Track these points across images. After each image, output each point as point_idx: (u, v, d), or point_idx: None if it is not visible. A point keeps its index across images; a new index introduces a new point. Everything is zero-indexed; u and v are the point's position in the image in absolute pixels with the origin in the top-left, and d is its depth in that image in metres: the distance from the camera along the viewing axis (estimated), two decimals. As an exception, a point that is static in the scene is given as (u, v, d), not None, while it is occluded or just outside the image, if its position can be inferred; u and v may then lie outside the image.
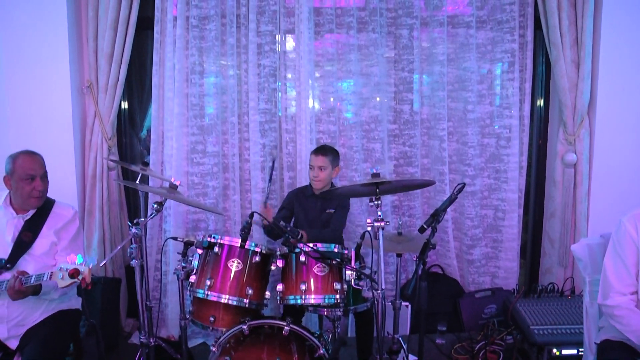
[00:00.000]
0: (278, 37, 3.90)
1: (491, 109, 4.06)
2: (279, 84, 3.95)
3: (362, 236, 2.79)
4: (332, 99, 4.01)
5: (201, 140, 3.91)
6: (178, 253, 3.01)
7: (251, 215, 2.68)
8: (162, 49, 3.86)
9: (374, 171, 2.68)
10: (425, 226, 2.76)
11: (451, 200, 2.78)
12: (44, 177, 2.88)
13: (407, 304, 3.82)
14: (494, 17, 3.95)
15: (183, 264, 2.88)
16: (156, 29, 3.82)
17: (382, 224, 2.57)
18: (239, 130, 3.95)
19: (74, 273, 2.49)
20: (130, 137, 4.31)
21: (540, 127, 4.26)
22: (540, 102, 4.25)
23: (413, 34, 3.96)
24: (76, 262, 2.52)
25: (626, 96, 3.89)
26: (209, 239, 2.76)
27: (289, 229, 2.73)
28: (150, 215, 2.78)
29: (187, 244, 2.99)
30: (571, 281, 3.90)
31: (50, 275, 2.55)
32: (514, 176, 4.05)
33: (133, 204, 4.22)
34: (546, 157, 4.26)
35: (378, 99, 4.00)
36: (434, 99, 4.04)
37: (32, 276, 2.60)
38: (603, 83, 3.87)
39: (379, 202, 2.63)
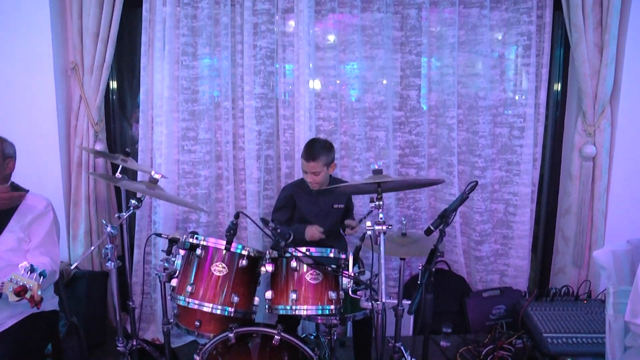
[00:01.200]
0: (276, 17, 3.52)
1: (504, 96, 3.68)
2: (277, 66, 3.58)
3: (362, 238, 2.46)
4: (333, 84, 3.63)
5: (193, 126, 3.56)
6: (163, 251, 2.69)
7: (237, 216, 2.34)
8: (151, 28, 3.51)
9: (376, 167, 2.33)
10: (432, 228, 2.42)
11: (462, 199, 2.44)
12: None
13: (409, 302, 3.50)
14: (509, -5, 3.55)
15: (165, 265, 2.57)
16: (145, 6, 3.47)
17: (384, 227, 2.22)
18: (233, 116, 3.60)
19: (21, 291, 2.11)
20: (120, 121, 3.97)
21: (556, 117, 3.87)
22: (556, 89, 3.85)
23: (422, 14, 3.57)
24: (24, 279, 2.14)
25: (653, 84, 3.50)
26: (191, 240, 2.44)
27: (278, 230, 2.40)
28: (129, 212, 2.45)
29: (172, 242, 2.68)
30: (587, 284, 3.55)
31: (1, 286, 2.22)
32: (527, 169, 3.68)
33: (122, 193, 3.87)
34: (561, 148, 3.88)
35: (384, 83, 3.62)
36: (443, 85, 3.66)
37: None
38: (629, 70, 3.48)
39: (381, 202, 2.28)
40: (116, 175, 2.74)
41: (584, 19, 3.38)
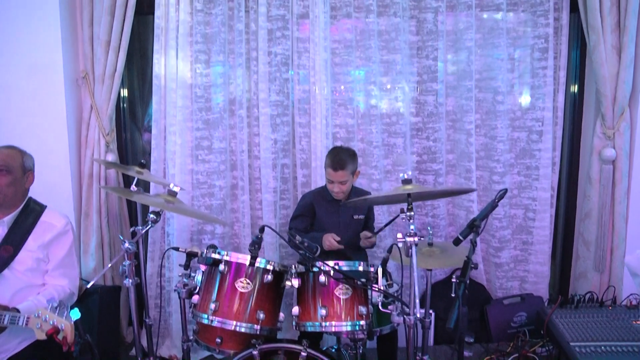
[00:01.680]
0: (291, 22, 3.42)
1: (522, 100, 3.60)
2: (292, 73, 3.49)
3: (390, 249, 2.35)
4: (349, 90, 3.54)
5: (207, 135, 3.45)
6: (180, 265, 2.57)
7: (262, 229, 2.23)
8: (164, 36, 3.40)
9: (405, 176, 2.23)
10: (461, 237, 2.33)
11: (492, 207, 2.35)
12: (4, 171, 2.38)
13: (431, 311, 3.39)
14: (526, -2, 3.48)
15: (185, 280, 2.44)
16: (157, 13, 3.35)
17: (416, 239, 2.12)
18: (248, 125, 3.50)
19: (53, 333, 2.02)
20: (131, 131, 3.86)
21: (573, 120, 3.79)
22: (573, 92, 3.77)
23: (438, 18, 3.48)
24: (54, 316, 2.04)
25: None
26: (213, 255, 2.32)
27: (305, 244, 2.28)
28: (147, 227, 2.33)
29: (190, 255, 2.56)
30: (611, 290, 3.46)
31: (27, 321, 2.10)
32: (546, 173, 3.59)
33: (134, 205, 3.75)
34: (579, 152, 3.80)
35: (401, 89, 3.53)
36: (460, 89, 3.57)
37: (5, 315, 2.14)
38: (647, 71, 3.41)
39: (412, 213, 2.18)
40: (131, 188, 2.61)
41: (602, 20, 3.31)
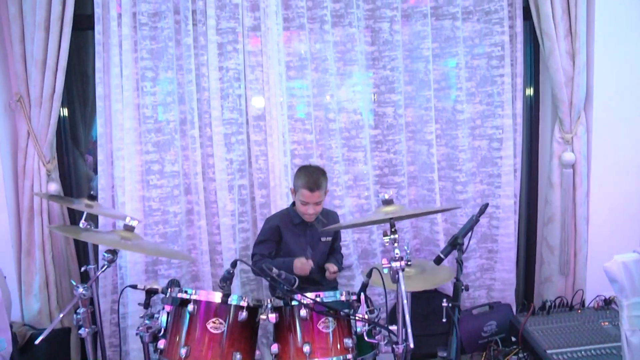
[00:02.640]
0: (242, 35, 3.18)
1: (481, 109, 3.48)
2: (245, 88, 3.24)
3: (369, 273, 2.14)
4: (306, 104, 3.32)
5: (157, 158, 3.15)
6: (139, 304, 2.29)
7: (234, 264, 1.99)
8: (106, 53, 3.09)
9: (386, 197, 2.04)
10: (442, 256, 2.16)
11: (474, 222, 2.19)
12: None
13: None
14: (480, 7, 3.36)
15: (147, 322, 2.16)
16: (97, 28, 3.05)
17: (402, 264, 1.92)
18: (201, 145, 3.22)
19: None
20: (73, 157, 3.50)
21: (530, 125, 3.71)
22: (529, 98, 3.69)
23: (393, 27, 3.31)
24: None
25: (623, 89, 3.38)
26: (180, 295, 2.05)
27: (283, 276, 2.05)
28: (102, 268, 2.03)
29: (150, 293, 2.29)
30: (579, 292, 3.38)
31: None
32: (508, 180, 3.49)
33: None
34: (538, 157, 3.72)
35: (359, 101, 3.35)
36: (419, 100, 3.42)
37: None
38: (599, 76, 3.37)
39: (396, 236, 1.98)
40: (80, 224, 2.30)
41: (555, 27, 3.24)
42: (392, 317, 3.34)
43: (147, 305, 2.28)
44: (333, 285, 3.00)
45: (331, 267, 2.89)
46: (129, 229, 2.09)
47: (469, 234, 2.21)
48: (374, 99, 3.45)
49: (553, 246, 3.53)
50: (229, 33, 3.14)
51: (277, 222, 2.92)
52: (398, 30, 3.31)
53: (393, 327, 2.07)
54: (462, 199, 3.47)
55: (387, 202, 2.07)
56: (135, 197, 3.14)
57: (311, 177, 2.81)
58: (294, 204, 2.94)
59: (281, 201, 3.23)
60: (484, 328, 3.52)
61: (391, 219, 2.02)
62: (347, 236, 3.35)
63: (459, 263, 2.09)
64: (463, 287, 2.04)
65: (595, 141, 3.43)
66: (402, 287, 1.91)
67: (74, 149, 3.52)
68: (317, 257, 2.89)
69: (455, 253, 2.24)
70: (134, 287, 2.34)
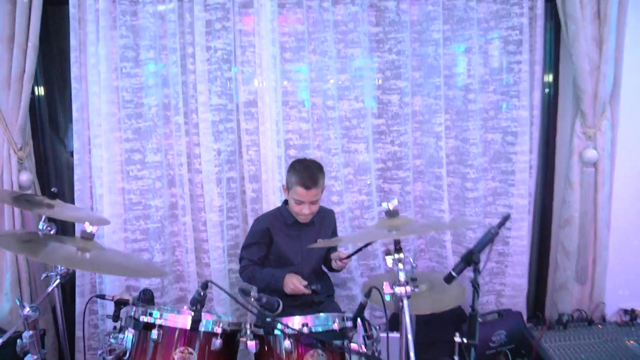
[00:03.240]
0: (232, 12, 2.83)
1: (495, 98, 3.12)
2: (235, 71, 2.90)
3: (368, 294, 1.81)
4: (303, 90, 2.98)
5: (138, 147, 2.83)
6: (108, 316, 1.98)
7: (204, 286, 1.65)
8: (82, 29, 2.76)
9: (390, 208, 1.71)
10: (454, 274, 1.83)
11: (491, 236, 1.85)
12: None
13: (397, 334, 2.90)
14: (498, -16, 2.99)
15: (112, 341, 1.84)
16: (71, 1, 2.71)
17: (408, 289, 1.59)
18: (186, 133, 2.89)
19: None
20: (52, 143, 3.19)
21: (548, 118, 3.34)
22: (548, 88, 3.32)
23: (401, 6, 2.95)
24: None
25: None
26: (143, 319, 1.72)
27: (264, 300, 1.72)
28: (53, 283, 1.72)
29: (120, 304, 1.97)
30: (593, 305, 3.05)
31: None
32: (522, 178, 3.14)
33: (68, 226, 3.06)
34: (555, 153, 3.36)
35: (361, 87, 3.00)
36: (427, 87, 3.07)
37: None
38: (629, 66, 3.01)
39: (402, 256, 1.65)
40: (38, 228, 1.97)
41: (582, 9, 2.86)
42: (393, 323, 3.04)
43: (116, 318, 1.97)
44: (329, 294, 2.68)
45: (340, 254, 2.55)
46: (87, 237, 1.75)
47: (489, 247, 1.87)
48: (378, 86, 3.10)
49: (570, 251, 3.18)
50: (218, 9, 2.79)
51: (267, 224, 2.59)
52: (406, 9, 2.96)
53: (394, 334, 1.76)
54: (472, 197, 3.13)
55: (392, 214, 1.74)
56: (114, 189, 2.82)
57: (306, 172, 2.48)
58: (286, 202, 2.62)
59: (274, 196, 2.91)
60: (492, 337, 3.19)
61: (396, 244, 1.69)
62: (345, 234, 3.02)
63: (475, 287, 1.76)
64: (480, 320, 1.71)
65: (621, 138, 3.08)
66: (407, 319, 1.58)
67: (53, 134, 3.20)
68: (312, 262, 2.57)
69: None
70: (102, 297, 2.03)
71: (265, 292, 2.62)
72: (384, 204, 1.79)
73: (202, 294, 1.63)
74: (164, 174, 2.88)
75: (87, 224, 1.77)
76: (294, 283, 2.41)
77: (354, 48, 2.95)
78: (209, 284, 1.64)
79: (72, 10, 2.71)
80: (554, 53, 3.28)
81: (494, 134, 3.15)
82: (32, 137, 2.95)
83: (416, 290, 1.65)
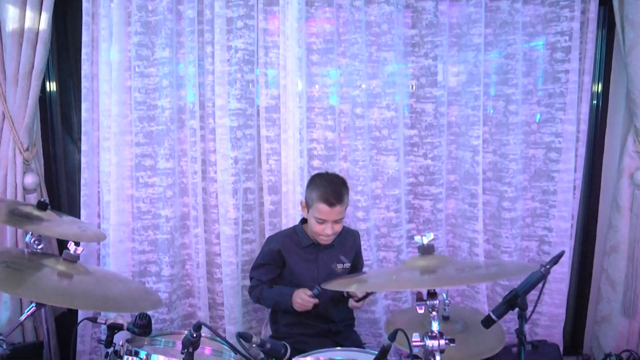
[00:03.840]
0: (256, 10, 2.58)
1: (539, 110, 2.82)
2: (257, 73, 2.65)
3: (393, 336, 1.53)
4: (329, 96, 2.72)
5: (150, 152, 2.59)
6: (100, 342, 1.75)
7: (197, 327, 1.39)
8: (95, 24, 2.55)
9: (424, 242, 1.44)
10: (494, 317, 1.57)
11: (541, 277, 1.57)
12: None
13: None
14: (547, -14, 2.69)
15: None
16: (85, -5, 2.49)
17: (442, 343, 1.32)
18: (201, 139, 2.65)
19: None
20: (64, 143, 2.98)
21: (595, 134, 3.02)
22: (595, 101, 3.00)
23: (439, 7, 2.67)
24: None
25: None
26: (128, 359, 1.48)
27: (268, 346, 1.46)
28: (27, 311, 1.49)
29: (113, 329, 1.74)
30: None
31: None
32: (566, 199, 2.83)
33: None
34: (600, 173, 3.04)
35: (393, 95, 2.72)
36: (465, 96, 2.78)
37: None
38: (691, 78, 2.67)
39: (436, 302, 1.38)
40: (25, 244, 1.74)
41: (643, 14, 2.55)
42: None
43: (109, 344, 1.74)
44: (348, 323, 2.41)
45: (356, 294, 2.26)
46: (71, 259, 1.51)
47: (540, 290, 1.59)
48: (412, 93, 2.82)
49: (615, 281, 2.86)
50: (241, 6, 2.54)
51: (279, 246, 2.33)
52: (445, 11, 2.67)
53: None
54: (509, 218, 2.82)
55: (426, 251, 1.47)
56: (123, 196, 2.59)
57: (330, 187, 2.21)
58: (303, 220, 2.35)
59: (294, 210, 2.65)
60: (525, 372, 2.90)
61: (430, 294, 1.41)
62: (370, 255, 2.75)
63: (522, 339, 1.47)
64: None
65: (678, 158, 2.75)
66: None
67: (65, 134, 3.00)
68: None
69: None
70: (93, 320, 1.80)
71: (276, 312, 2.40)
72: (417, 237, 1.51)
73: (194, 335, 1.37)
74: (176, 182, 2.64)
75: (71, 243, 1.53)
76: (301, 297, 2.16)
77: (387, 52, 2.67)
78: (201, 325, 1.37)
79: (86, 4, 2.50)
80: (604, 62, 2.96)
81: (535, 150, 2.85)
82: (42, 137, 2.77)
83: (451, 345, 1.37)
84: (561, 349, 2.97)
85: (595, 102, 2.99)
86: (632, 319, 2.84)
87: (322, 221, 2.20)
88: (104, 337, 1.77)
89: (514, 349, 2.88)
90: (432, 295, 1.40)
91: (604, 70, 2.96)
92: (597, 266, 3.04)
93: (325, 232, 2.21)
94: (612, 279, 2.88)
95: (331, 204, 2.17)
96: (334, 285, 1.82)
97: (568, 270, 2.92)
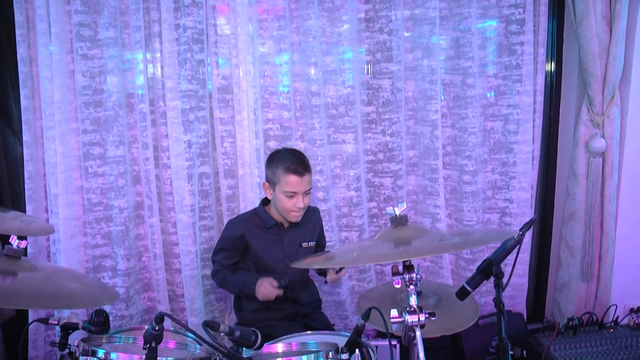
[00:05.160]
0: (204, -14, 2.49)
1: (496, 83, 2.85)
2: (207, 53, 2.56)
3: (366, 315, 1.52)
4: (283, 74, 2.66)
5: (98, 140, 2.48)
6: (54, 344, 1.66)
7: (159, 319, 1.33)
8: (29, 3, 2.40)
9: (397, 213, 1.43)
10: (469, 288, 1.58)
11: (514, 243, 1.59)
12: None
13: (395, 342, 2.63)
14: (499, -42, 2.70)
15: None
16: (15, -31, 2.34)
17: (422, 318, 1.32)
18: (152, 123, 2.55)
19: None
20: (2, 135, 2.82)
21: (550, 105, 3.07)
22: (550, 72, 3.05)
23: (393, -20, 2.66)
24: None
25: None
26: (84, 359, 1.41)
27: (237, 334, 1.42)
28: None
29: (67, 329, 1.66)
30: (602, 304, 2.83)
31: None
32: (525, 170, 2.88)
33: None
34: (557, 143, 3.11)
35: (349, 71, 2.69)
36: (422, 71, 2.77)
37: None
38: (640, 46, 2.75)
39: (413, 275, 1.38)
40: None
41: (592, -17, 2.60)
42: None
43: (63, 345, 1.65)
44: (316, 305, 2.40)
45: (332, 272, 2.27)
46: (14, 255, 1.42)
47: (516, 257, 1.61)
48: (368, 70, 2.80)
49: (574, 247, 2.95)
50: (188, -18, 2.45)
51: (242, 230, 2.28)
52: (399, -16, 2.65)
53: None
54: (470, 191, 2.86)
55: (399, 222, 1.45)
56: (71, 188, 2.47)
57: (294, 157, 2.19)
58: (263, 202, 2.31)
59: (252, 193, 2.60)
60: (492, 343, 2.95)
61: (406, 266, 1.39)
62: (332, 235, 2.74)
63: (501, 309, 1.49)
64: (512, 352, 1.45)
65: (630, 126, 2.83)
66: (421, 354, 1.30)
67: (4, 125, 2.83)
68: (297, 270, 2.25)
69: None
70: (44, 321, 1.70)
71: (240, 299, 2.36)
72: (389, 209, 1.50)
73: (157, 328, 1.31)
74: (127, 170, 2.54)
75: (13, 237, 1.44)
76: (265, 287, 2.13)
77: (340, 27, 2.63)
78: (163, 316, 1.31)
79: (15, -21, 2.35)
80: (556, 32, 3.01)
81: (494, 122, 2.88)
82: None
83: (432, 319, 1.36)
84: (525, 317, 3.05)
85: (549, 72, 3.04)
86: (589, 282, 2.94)
87: (292, 194, 2.16)
88: (58, 339, 1.70)
89: (481, 321, 2.96)
90: (409, 268, 1.39)
91: (556, 41, 3.01)
92: (556, 234, 3.12)
93: (297, 206, 2.17)
94: (571, 246, 2.96)
95: (300, 174, 2.14)
96: (307, 264, 1.79)
97: (529, 240, 2.99)
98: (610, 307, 2.78)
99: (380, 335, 2.47)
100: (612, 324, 2.69)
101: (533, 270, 3.23)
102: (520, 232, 1.63)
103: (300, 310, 2.32)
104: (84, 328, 1.66)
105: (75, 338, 1.68)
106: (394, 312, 1.37)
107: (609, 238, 2.89)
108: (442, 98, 2.82)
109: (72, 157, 2.47)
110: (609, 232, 2.88)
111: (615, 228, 2.91)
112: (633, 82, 2.77)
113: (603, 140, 2.79)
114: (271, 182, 2.23)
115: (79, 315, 1.68)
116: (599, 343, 2.51)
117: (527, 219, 2.89)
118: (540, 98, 2.88)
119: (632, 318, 2.69)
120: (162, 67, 2.49)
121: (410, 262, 1.39)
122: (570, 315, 2.81)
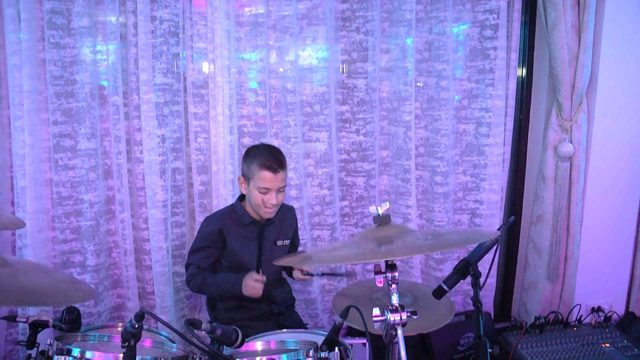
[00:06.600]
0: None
1: (469, 86, 2.94)
2: (182, 47, 2.58)
3: (344, 313, 1.57)
4: (260, 71, 2.70)
5: (69, 131, 2.46)
6: (20, 343, 1.67)
7: (139, 317, 1.34)
8: (-2, -11, 2.37)
9: (380, 212, 1.48)
10: (445, 288, 1.65)
11: (491, 243, 1.66)
12: None
13: (364, 341, 2.70)
14: (475, -36, 2.80)
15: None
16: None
17: (404, 316, 1.37)
18: (125, 116, 2.55)
19: None
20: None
21: (521, 110, 3.19)
22: (521, 77, 3.16)
23: (371, -19, 2.72)
24: None
25: (632, 72, 2.94)
26: (60, 359, 1.42)
27: (218, 332, 1.45)
28: None
29: (36, 327, 1.67)
30: (567, 304, 2.96)
31: None
32: (496, 172, 2.99)
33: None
34: (527, 146, 3.23)
35: (324, 70, 2.75)
36: (397, 72, 2.84)
37: None
38: (607, 55, 2.88)
39: (396, 274, 1.43)
40: None
41: (563, -6, 2.72)
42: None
43: (31, 344, 1.65)
44: (290, 304, 2.44)
45: (300, 270, 2.30)
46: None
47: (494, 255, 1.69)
48: (344, 69, 2.86)
49: (541, 249, 3.07)
50: (165, -26, 2.47)
51: (220, 225, 2.29)
52: (376, -15, 2.72)
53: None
54: (441, 192, 2.95)
55: (382, 221, 1.50)
56: (40, 181, 2.44)
57: (270, 154, 2.21)
58: (240, 198, 2.34)
59: (225, 190, 2.63)
60: (460, 341, 3.05)
61: (388, 265, 1.44)
62: (304, 234, 2.79)
63: (479, 307, 1.55)
64: (490, 350, 1.51)
65: (597, 131, 2.97)
66: (403, 352, 1.34)
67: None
68: (273, 266, 2.26)
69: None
70: (11, 319, 1.69)
71: (214, 298, 2.37)
72: (372, 208, 1.53)
73: (136, 326, 1.33)
74: (99, 164, 2.53)
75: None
76: (250, 281, 2.16)
77: (317, 25, 2.68)
78: (144, 314, 1.33)
79: (-18, -38, 2.31)
80: (527, 39, 3.12)
81: (466, 125, 2.98)
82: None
83: (414, 317, 1.41)
84: (492, 316, 3.16)
85: (521, 78, 3.16)
86: (555, 283, 3.07)
87: (266, 190, 2.19)
88: (23, 337, 1.68)
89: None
90: (392, 267, 1.42)
91: (528, 47, 3.12)
92: (524, 235, 3.24)
93: (270, 202, 2.19)
94: (538, 247, 3.09)
95: (274, 170, 2.17)
96: (288, 262, 1.82)
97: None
98: (574, 306, 2.91)
99: (350, 333, 2.53)
100: (576, 322, 2.81)
101: (501, 270, 3.36)
102: (500, 232, 1.70)
103: (275, 308, 2.35)
104: (54, 326, 1.65)
105: (43, 337, 1.68)
106: (376, 311, 1.39)
107: (575, 240, 3.02)
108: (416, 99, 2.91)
109: (41, 148, 2.45)
110: (574, 234, 3.01)
111: (581, 230, 3.05)
112: (599, 89, 2.91)
113: (571, 145, 2.92)
114: (246, 176, 2.26)
115: (48, 313, 1.68)
116: (563, 341, 2.63)
117: (496, 221, 3.04)
118: (511, 102, 2.99)
119: (594, 317, 2.82)
120: (137, 59, 2.48)
121: (392, 262, 1.44)
122: (537, 315, 2.94)
